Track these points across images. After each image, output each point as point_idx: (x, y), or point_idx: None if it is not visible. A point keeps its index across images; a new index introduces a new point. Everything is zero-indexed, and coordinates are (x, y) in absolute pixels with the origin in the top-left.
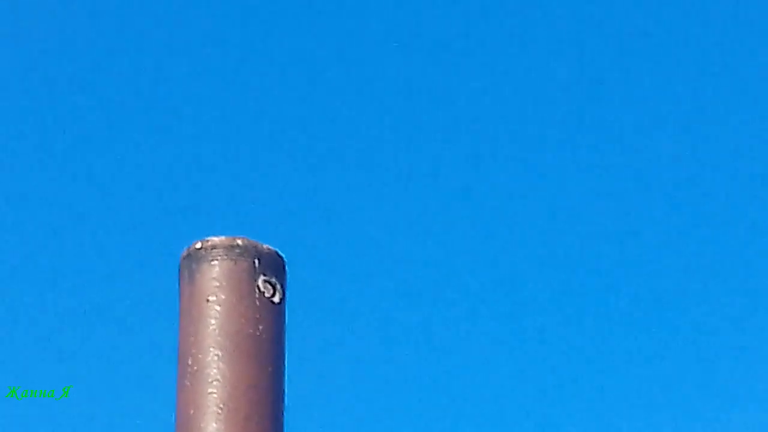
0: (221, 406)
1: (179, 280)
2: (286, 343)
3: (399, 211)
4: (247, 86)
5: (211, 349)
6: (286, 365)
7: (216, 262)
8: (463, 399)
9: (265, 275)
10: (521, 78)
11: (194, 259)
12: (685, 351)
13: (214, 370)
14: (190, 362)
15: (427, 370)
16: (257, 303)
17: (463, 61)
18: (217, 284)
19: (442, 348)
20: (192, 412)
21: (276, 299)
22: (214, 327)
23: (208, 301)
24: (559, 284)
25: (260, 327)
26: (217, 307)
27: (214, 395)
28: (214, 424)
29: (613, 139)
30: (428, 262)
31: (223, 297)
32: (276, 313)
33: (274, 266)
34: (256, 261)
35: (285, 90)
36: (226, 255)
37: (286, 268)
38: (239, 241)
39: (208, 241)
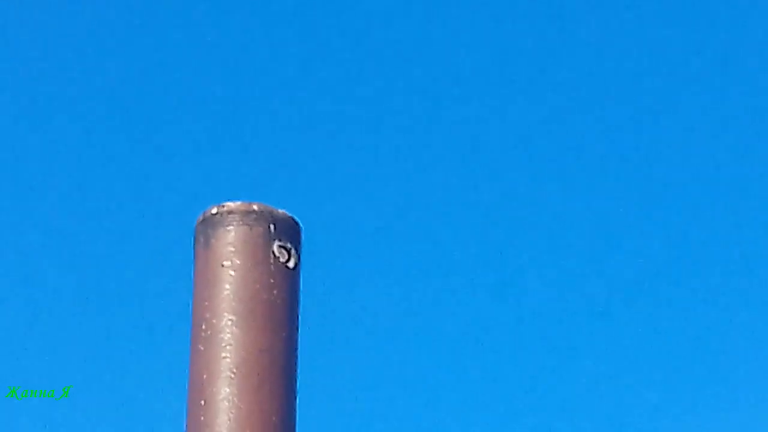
0: (234, 370)
1: (194, 245)
2: (301, 308)
3: (418, 178)
4: (273, 50)
5: (225, 314)
6: (300, 330)
7: (231, 228)
8: (480, 363)
9: (280, 240)
10: (523, 77)
11: (210, 224)
12: (685, 351)
13: (228, 335)
14: (203, 327)
15: (442, 335)
16: (272, 268)
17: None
18: (232, 249)
19: (452, 318)
20: (205, 376)
21: (291, 264)
22: (228, 292)
23: (222, 266)
24: (579, 286)
25: (274, 292)
26: (232, 272)
27: (228, 360)
28: (227, 389)
29: (613, 139)
30: (447, 229)
31: (238, 262)
32: (290, 278)
33: (289, 232)
34: (272, 226)
35: (308, 54)
36: (241, 220)
37: (302, 233)
38: (255, 207)
39: (223, 206)
